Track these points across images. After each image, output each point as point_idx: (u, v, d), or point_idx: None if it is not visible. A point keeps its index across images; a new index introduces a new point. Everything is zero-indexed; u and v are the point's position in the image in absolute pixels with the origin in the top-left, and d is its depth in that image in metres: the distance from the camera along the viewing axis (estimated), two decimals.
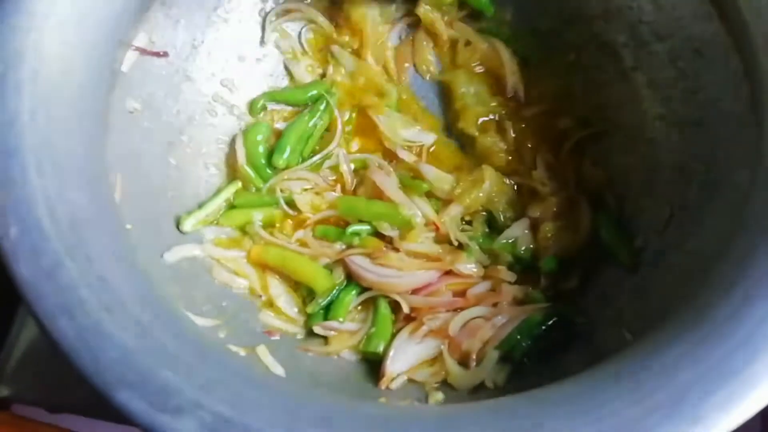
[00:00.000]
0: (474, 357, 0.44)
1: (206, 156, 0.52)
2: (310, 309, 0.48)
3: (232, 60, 0.53)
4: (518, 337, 0.45)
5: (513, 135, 0.53)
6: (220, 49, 0.52)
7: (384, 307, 0.48)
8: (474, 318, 0.46)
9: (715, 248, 0.34)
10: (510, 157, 0.53)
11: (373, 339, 0.46)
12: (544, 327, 0.45)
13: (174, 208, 0.48)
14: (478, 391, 0.44)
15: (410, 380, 0.45)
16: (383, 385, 0.44)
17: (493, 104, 0.54)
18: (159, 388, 0.28)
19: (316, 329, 0.47)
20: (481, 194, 0.50)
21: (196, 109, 0.52)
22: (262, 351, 0.42)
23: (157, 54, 0.49)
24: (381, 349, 0.46)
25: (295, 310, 0.49)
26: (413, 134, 0.54)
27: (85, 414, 0.53)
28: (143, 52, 0.48)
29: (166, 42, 0.49)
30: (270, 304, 0.48)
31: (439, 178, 0.51)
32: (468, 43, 0.55)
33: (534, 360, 0.45)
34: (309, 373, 0.45)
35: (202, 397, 0.28)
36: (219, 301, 0.46)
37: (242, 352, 0.41)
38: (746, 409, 0.26)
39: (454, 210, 0.50)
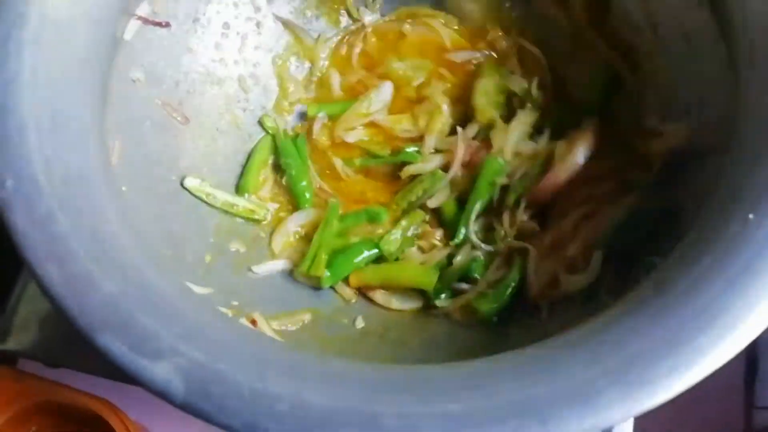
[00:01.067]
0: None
1: (205, 126, 0.54)
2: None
3: (232, 34, 0.55)
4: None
5: None
6: (221, 21, 0.53)
7: None
8: None
9: (685, 222, 0.35)
10: None
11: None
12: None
13: (171, 175, 0.50)
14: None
15: None
16: None
17: None
18: (139, 333, 0.30)
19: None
20: None
21: (197, 80, 0.53)
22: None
23: (159, 24, 0.50)
24: None
25: None
26: None
27: (84, 370, 0.55)
28: (146, 21, 0.49)
29: (168, 13, 0.50)
30: None
31: None
32: None
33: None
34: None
35: (180, 344, 0.30)
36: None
37: (230, 314, 0.43)
38: (692, 377, 0.27)
39: None
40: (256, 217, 0.53)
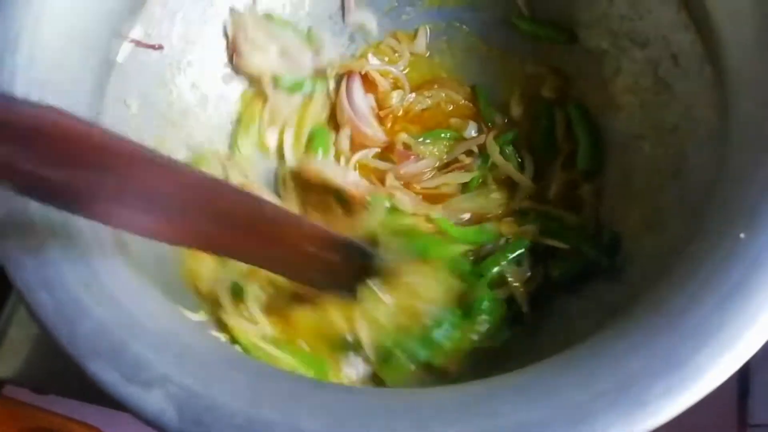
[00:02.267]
0: None
1: (197, 149, 0.54)
2: None
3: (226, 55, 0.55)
4: None
5: None
6: (215, 43, 0.54)
7: None
8: None
9: (678, 243, 0.36)
10: None
11: None
12: None
13: None
14: None
15: None
16: None
17: None
18: (130, 360, 0.30)
19: None
20: None
21: (190, 102, 0.53)
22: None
23: (152, 47, 0.50)
24: None
25: None
26: None
27: (73, 396, 0.54)
28: (139, 44, 0.49)
29: (162, 35, 0.51)
30: None
31: None
32: None
33: None
34: None
35: (173, 371, 0.30)
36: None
37: (222, 338, 0.43)
38: (689, 398, 0.27)
39: None
40: None
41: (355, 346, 0.43)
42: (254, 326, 0.43)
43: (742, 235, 0.31)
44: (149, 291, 0.36)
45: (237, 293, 0.44)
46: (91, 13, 0.43)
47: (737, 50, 0.40)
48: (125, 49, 0.48)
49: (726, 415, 0.64)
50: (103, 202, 0.29)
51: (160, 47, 0.51)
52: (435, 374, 0.43)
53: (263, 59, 0.54)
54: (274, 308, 0.45)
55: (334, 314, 0.43)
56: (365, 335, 0.42)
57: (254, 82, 0.55)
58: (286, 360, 0.41)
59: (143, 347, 0.30)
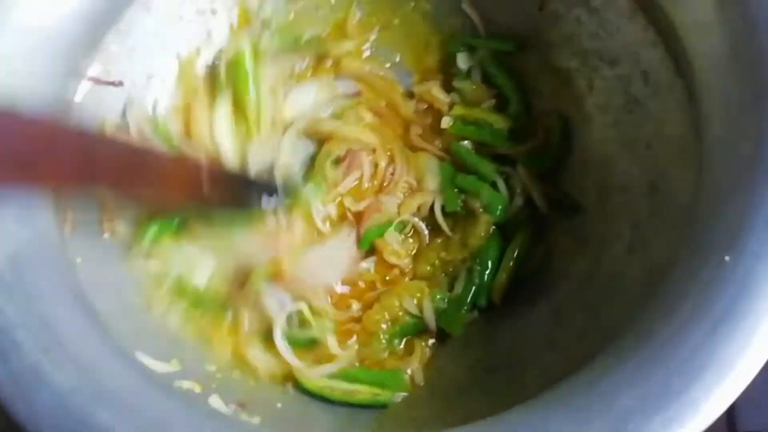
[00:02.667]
0: None
1: None
2: None
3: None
4: None
5: None
6: (175, 78, 0.52)
7: None
8: None
9: (661, 269, 0.35)
10: None
11: None
12: None
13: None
14: None
15: None
16: None
17: None
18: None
19: None
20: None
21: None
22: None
23: (112, 83, 0.49)
24: None
25: None
26: None
27: None
28: (97, 81, 0.47)
29: (121, 71, 0.49)
30: None
31: None
32: None
33: None
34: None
35: None
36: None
37: (197, 389, 0.40)
38: None
39: None
40: None
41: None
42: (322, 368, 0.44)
43: (726, 258, 0.30)
44: (113, 348, 0.34)
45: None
46: (46, 54, 0.41)
47: (706, 65, 0.39)
48: (83, 88, 0.46)
49: (715, 423, 0.63)
50: None
51: (120, 83, 0.49)
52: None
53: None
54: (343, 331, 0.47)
55: (402, 299, 0.48)
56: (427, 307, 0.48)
57: None
58: (362, 389, 0.44)
59: (108, 414, 0.28)
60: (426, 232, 0.52)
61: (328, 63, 0.55)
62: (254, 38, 0.52)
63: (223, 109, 0.51)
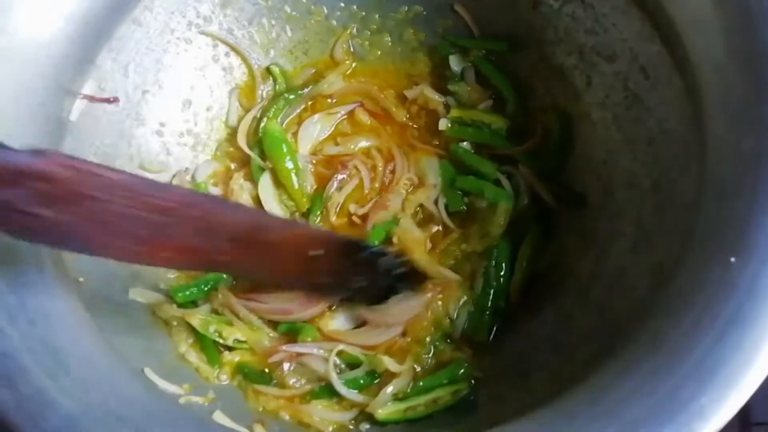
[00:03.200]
0: None
1: None
2: None
3: (183, 103, 0.53)
4: None
5: None
6: (170, 92, 0.52)
7: None
8: None
9: (666, 269, 0.35)
10: None
11: None
12: None
13: None
14: None
15: None
16: None
17: None
18: None
19: None
20: None
21: (150, 152, 0.51)
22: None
23: (107, 100, 0.48)
24: None
25: None
26: None
27: None
28: (92, 99, 0.47)
29: (116, 87, 0.48)
30: None
31: None
32: None
33: None
34: None
35: None
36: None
37: (201, 401, 0.40)
38: None
39: None
40: None
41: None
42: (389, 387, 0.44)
43: (732, 259, 0.30)
44: (119, 366, 0.34)
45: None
46: (32, 75, 0.41)
47: (705, 59, 0.39)
48: (78, 107, 0.46)
49: None
50: (87, 232, 0.30)
51: (116, 100, 0.49)
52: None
53: None
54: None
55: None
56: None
57: None
58: (441, 392, 0.44)
59: None
60: (445, 215, 0.52)
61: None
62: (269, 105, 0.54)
63: (267, 179, 0.52)
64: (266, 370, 0.46)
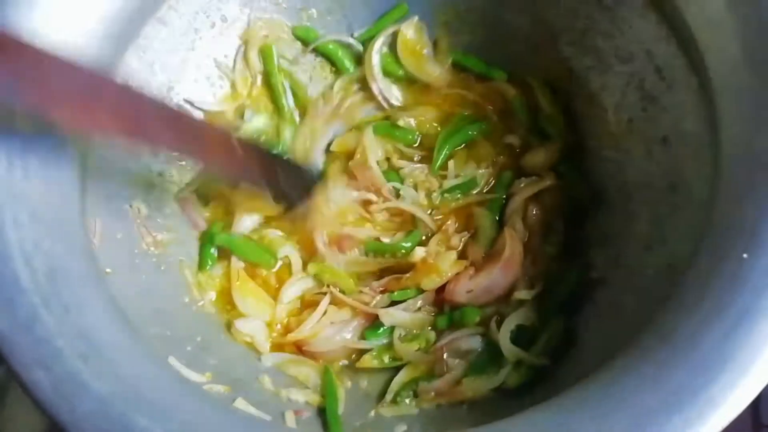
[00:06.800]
0: None
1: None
2: None
3: (209, 100, 0.54)
4: None
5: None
6: (195, 90, 0.53)
7: None
8: None
9: (680, 265, 0.35)
10: None
11: None
12: None
13: (155, 248, 0.49)
14: None
15: None
16: None
17: None
18: None
19: None
20: None
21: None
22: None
23: None
24: None
25: None
26: None
27: None
28: None
29: (142, 85, 0.50)
30: None
31: None
32: None
33: None
34: None
35: None
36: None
37: (223, 389, 0.42)
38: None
39: None
40: None
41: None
42: None
43: (744, 255, 0.31)
44: (149, 356, 0.35)
45: None
46: None
47: (720, 60, 0.39)
48: None
49: (740, 416, 0.63)
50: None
51: None
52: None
53: None
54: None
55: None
56: None
57: None
58: None
59: (146, 419, 0.30)
60: None
61: None
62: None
63: None
64: None
